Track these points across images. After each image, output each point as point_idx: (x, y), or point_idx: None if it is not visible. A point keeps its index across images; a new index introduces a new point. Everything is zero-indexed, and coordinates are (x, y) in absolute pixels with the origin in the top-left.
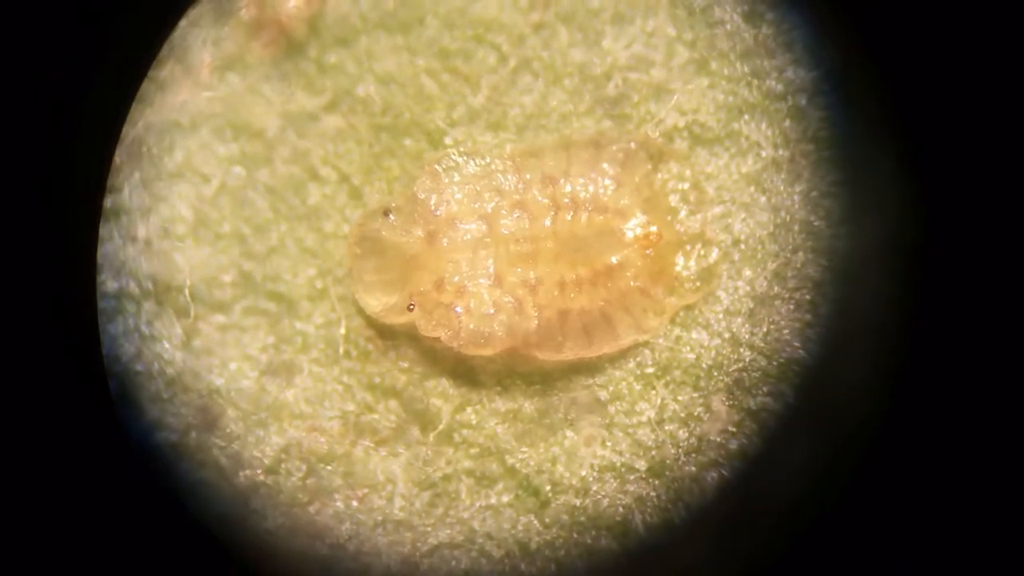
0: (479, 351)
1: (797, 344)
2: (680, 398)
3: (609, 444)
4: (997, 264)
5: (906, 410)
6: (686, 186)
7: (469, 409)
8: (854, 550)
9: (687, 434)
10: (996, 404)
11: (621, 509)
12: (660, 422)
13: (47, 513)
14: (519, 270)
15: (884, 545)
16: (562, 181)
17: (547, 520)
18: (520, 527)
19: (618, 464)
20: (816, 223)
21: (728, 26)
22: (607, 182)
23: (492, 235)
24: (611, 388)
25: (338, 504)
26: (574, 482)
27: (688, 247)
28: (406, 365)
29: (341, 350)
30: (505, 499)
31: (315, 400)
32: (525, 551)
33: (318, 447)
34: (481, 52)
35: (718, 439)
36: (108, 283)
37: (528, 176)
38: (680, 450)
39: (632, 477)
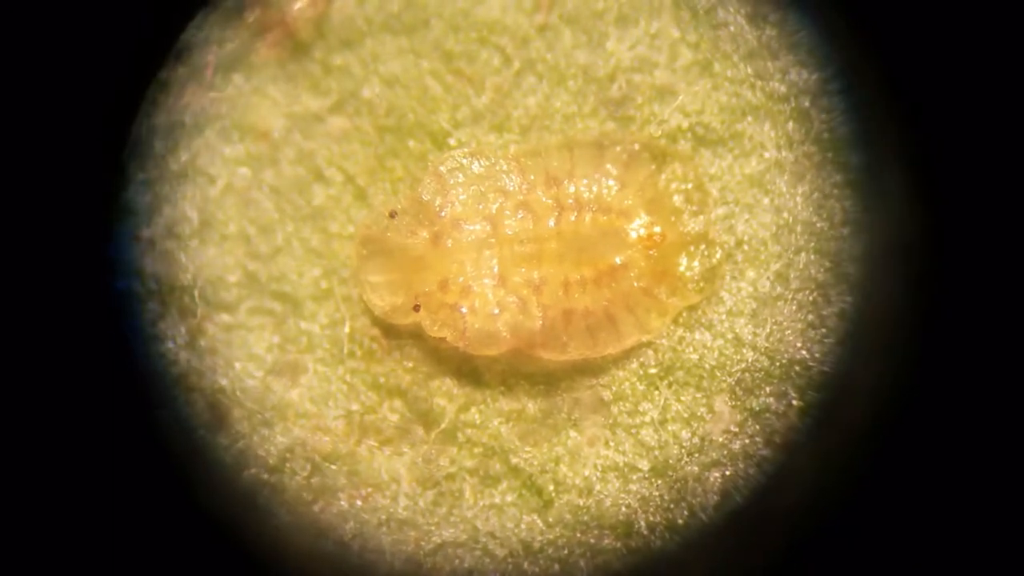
0: (484, 351)
1: (800, 345)
2: (683, 398)
3: (612, 444)
4: (1002, 264)
5: (910, 411)
6: (689, 187)
7: (473, 409)
8: (858, 553)
9: (690, 434)
10: (1003, 406)
11: (624, 509)
12: (663, 422)
13: (51, 509)
14: (523, 270)
15: (889, 549)
16: (566, 182)
17: (550, 519)
18: (523, 526)
19: (621, 464)
20: (819, 224)
21: (732, 28)
22: (611, 183)
23: (496, 236)
24: (614, 388)
25: (342, 503)
26: (577, 482)
27: (691, 248)
28: (410, 365)
29: (346, 350)
30: (509, 498)
31: (320, 399)
32: (528, 550)
33: (323, 446)
34: (485, 54)
35: (721, 439)
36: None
37: (532, 177)
38: (683, 450)
39: (635, 477)
